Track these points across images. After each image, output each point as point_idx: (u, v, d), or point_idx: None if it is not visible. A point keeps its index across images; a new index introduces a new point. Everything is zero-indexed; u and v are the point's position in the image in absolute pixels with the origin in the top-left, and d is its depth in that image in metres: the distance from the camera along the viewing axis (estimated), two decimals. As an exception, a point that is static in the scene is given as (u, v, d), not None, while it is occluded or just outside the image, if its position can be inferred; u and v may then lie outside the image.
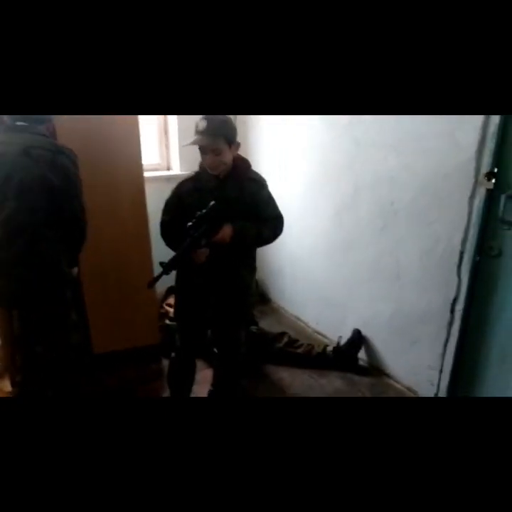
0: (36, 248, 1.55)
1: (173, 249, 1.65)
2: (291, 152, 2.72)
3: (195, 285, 1.73)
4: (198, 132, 1.55)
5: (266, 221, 1.69)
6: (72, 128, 1.97)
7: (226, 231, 1.59)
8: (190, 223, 1.52)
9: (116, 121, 2.09)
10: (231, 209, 1.61)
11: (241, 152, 1.68)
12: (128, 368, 2.45)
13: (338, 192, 2.41)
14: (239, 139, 1.63)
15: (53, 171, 1.52)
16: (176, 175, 2.99)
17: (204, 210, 1.52)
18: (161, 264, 1.57)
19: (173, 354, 1.95)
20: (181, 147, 2.97)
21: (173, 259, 1.56)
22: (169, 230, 1.71)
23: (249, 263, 1.79)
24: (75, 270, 1.92)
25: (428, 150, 1.85)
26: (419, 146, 1.89)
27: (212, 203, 1.52)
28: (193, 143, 1.56)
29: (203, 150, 1.59)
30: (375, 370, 2.38)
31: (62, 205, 1.57)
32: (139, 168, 2.25)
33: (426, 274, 1.98)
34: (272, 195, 1.72)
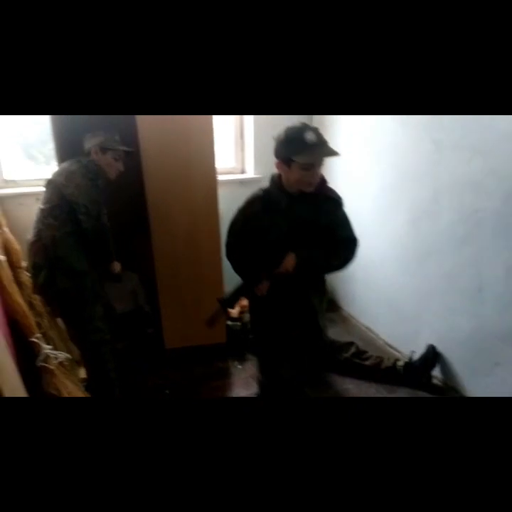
0: (39, 234, 1.84)
1: (239, 273, 1.60)
2: (364, 154, 2.62)
3: (266, 312, 1.68)
4: (308, 146, 1.36)
5: (339, 244, 1.56)
6: (151, 130, 2.10)
7: (289, 262, 1.49)
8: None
9: (192, 124, 2.17)
10: (303, 231, 1.50)
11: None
12: (195, 365, 2.54)
13: (415, 197, 2.26)
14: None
15: (62, 174, 1.87)
16: (250, 178, 3.04)
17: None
18: (219, 300, 1.54)
19: (257, 390, 1.91)
20: (257, 150, 3.00)
21: (231, 296, 1.54)
22: (234, 252, 1.66)
23: (319, 288, 1.68)
24: (116, 267, 2.18)
25: (519, 152, 1.67)
26: (508, 148, 1.70)
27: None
28: (311, 160, 1.38)
29: (309, 165, 1.40)
30: (451, 390, 2.19)
31: (64, 198, 1.83)
32: (212, 171, 2.32)
33: (512, 290, 1.78)
34: (348, 216, 1.58)
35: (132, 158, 2.10)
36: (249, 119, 2.99)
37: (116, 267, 2.17)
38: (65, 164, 1.93)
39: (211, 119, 2.21)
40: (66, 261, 1.83)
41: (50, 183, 1.89)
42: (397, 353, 2.52)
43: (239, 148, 3.12)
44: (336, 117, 2.82)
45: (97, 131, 1.97)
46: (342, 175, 2.80)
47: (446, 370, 2.22)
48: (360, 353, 2.41)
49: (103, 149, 1.96)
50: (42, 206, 1.87)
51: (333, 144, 2.86)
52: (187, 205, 2.32)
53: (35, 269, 1.86)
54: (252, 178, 3.02)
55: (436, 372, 2.26)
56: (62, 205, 1.83)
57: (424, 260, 2.26)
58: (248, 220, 1.59)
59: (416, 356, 2.30)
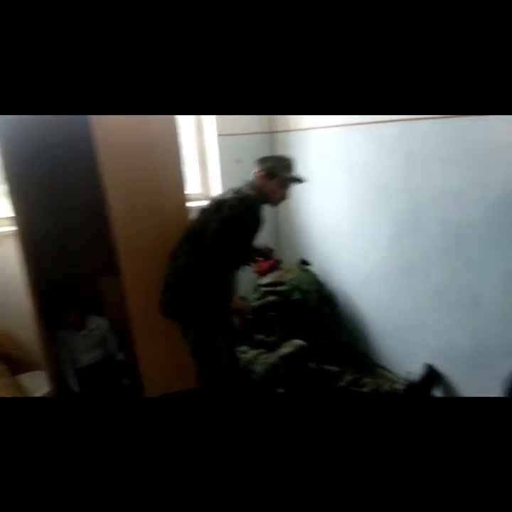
0: None
1: None
2: (337, 173, 2.56)
3: None
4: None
5: None
6: (113, 157, 1.92)
7: None
8: None
9: (157, 152, 2.02)
10: None
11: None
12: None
13: (394, 212, 2.20)
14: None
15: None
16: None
17: None
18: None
19: None
20: (223, 173, 2.87)
21: None
22: None
23: None
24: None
25: (501, 162, 1.64)
26: (488, 158, 1.68)
27: None
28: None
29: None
30: (453, 409, 2.10)
31: None
32: (182, 199, 2.16)
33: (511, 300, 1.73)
34: None
35: (95, 188, 1.90)
36: (212, 142, 2.86)
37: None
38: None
39: (178, 145, 2.08)
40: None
41: None
42: (389, 374, 2.42)
43: (202, 173, 2.97)
44: (303, 137, 2.75)
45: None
46: (316, 195, 2.72)
47: (447, 388, 2.13)
48: (356, 380, 2.28)
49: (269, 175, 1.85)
50: None
51: (303, 163, 2.81)
52: (159, 238, 2.12)
53: None
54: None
55: (436, 392, 2.17)
56: None
57: (411, 276, 2.19)
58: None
59: (412, 377, 2.20)
